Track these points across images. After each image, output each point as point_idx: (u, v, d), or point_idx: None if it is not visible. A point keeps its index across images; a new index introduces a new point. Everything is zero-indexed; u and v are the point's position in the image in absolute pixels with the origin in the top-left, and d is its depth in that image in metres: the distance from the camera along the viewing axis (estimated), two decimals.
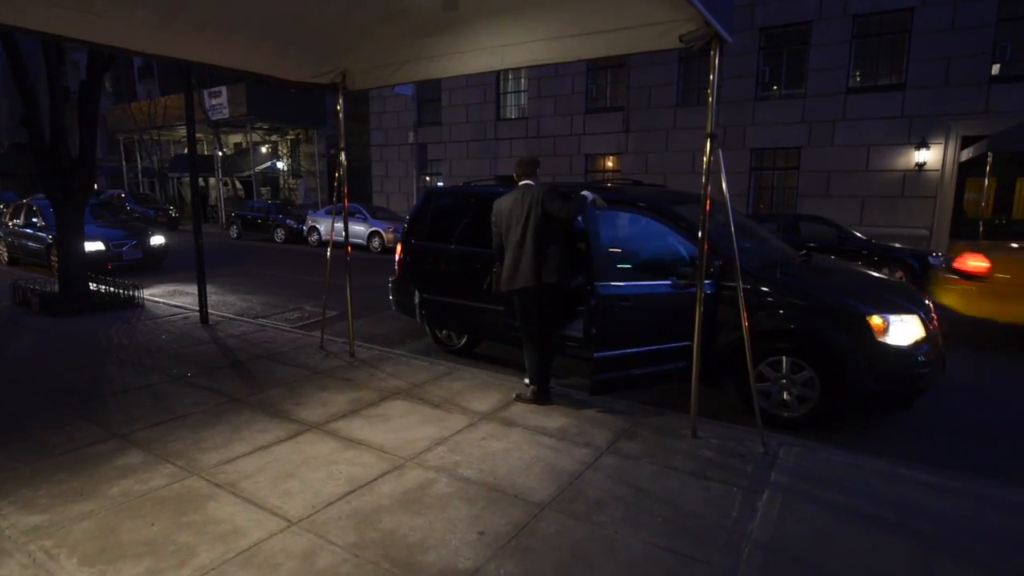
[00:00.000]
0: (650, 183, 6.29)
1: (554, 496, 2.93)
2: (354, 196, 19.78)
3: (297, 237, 17.90)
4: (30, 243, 11.04)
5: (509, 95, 19.06)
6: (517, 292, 4.09)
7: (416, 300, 5.71)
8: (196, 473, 3.09)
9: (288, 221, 18.34)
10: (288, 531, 2.58)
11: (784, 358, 4.05)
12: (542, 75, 17.41)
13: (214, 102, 22.59)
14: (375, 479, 3.07)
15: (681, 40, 3.25)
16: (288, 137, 27.48)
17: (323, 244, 16.40)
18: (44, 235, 10.49)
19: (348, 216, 5.65)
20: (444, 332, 5.95)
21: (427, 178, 20.62)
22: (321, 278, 5.70)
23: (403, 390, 4.44)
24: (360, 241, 15.70)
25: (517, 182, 4.17)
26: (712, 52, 3.25)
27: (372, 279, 9.36)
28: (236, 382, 4.58)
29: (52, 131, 6.98)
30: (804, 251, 5.21)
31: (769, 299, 4.06)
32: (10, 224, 11.81)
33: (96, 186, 16.26)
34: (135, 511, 2.72)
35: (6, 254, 11.90)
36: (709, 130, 3.33)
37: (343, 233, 5.70)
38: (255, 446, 3.42)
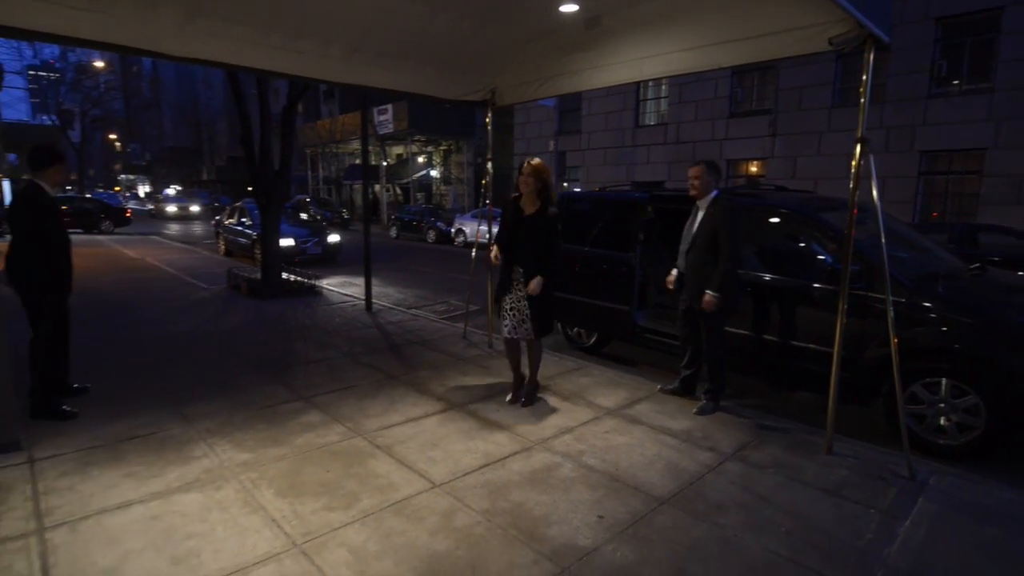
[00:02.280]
0: (797, 188, 5.89)
1: (674, 493, 2.93)
2: (497, 201, 20.73)
3: (446, 238, 19.15)
4: (240, 239, 13.09)
5: (648, 102, 18.69)
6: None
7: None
8: (360, 434, 3.55)
9: (438, 223, 19.69)
10: (432, 491, 2.89)
11: (944, 380, 3.60)
12: (684, 81, 16.84)
13: (381, 118, 24.91)
14: (506, 457, 3.29)
15: (831, 43, 3.06)
16: (441, 148, 29.42)
17: (468, 245, 17.35)
18: (251, 232, 12.37)
19: (491, 219, 6.02)
20: (574, 330, 6.08)
21: (564, 184, 20.92)
22: (466, 276, 6.12)
23: None
24: None
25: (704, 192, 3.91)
26: (866, 53, 3.01)
27: None
28: (393, 362, 5.12)
29: (260, 148, 8.26)
30: (977, 264, 4.56)
31: (931, 315, 3.63)
32: (226, 223, 14.10)
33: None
34: (315, 459, 3.21)
35: (223, 247, 14.21)
36: (860, 134, 3.09)
37: (487, 235, 6.08)
38: (407, 417, 3.83)
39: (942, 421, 3.60)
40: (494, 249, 3.93)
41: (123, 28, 3.31)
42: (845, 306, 3.26)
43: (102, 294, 8.18)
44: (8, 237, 3.60)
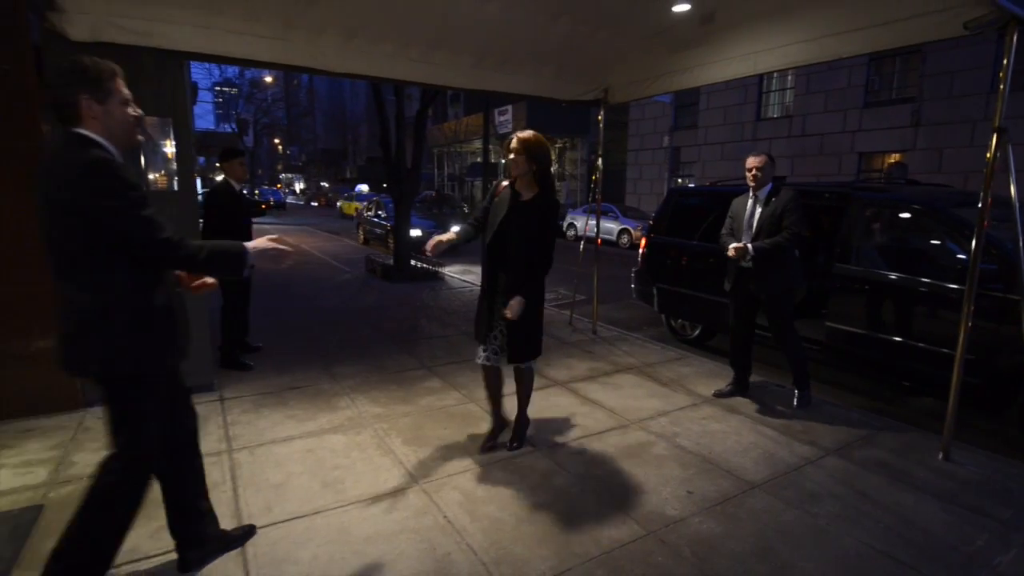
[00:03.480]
0: (939, 183, 5.32)
1: (767, 479, 2.90)
2: (608, 197, 20.54)
3: (558, 232, 19.34)
4: (376, 229, 14.32)
5: (772, 94, 17.41)
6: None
7: (654, 289, 5.90)
8: (474, 401, 3.88)
9: None
10: (533, 454, 3.12)
11: None
12: (812, 71, 15.45)
13: (501, 119, 25.66)
14: (603, 431, 3.44)
15: (966, 28, 2.80)
16: (556, 145, 29.63)
17: (579, 239, 17.43)
18: (385, 223, 13.49)
19: (601, 215, 6.11)
20: (679, 321, 6.01)
21: (678, 180, 20.20)
22: (575, 268, 6.28)
23: (635, 367, 4.72)
24: (610, 237, 16.29)
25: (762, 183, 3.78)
26: (1008, 37, 2.72)
27: (618, 271, 9.77)
28: None
29: (396, 149, 9.02)
30: None
31: None
32: (365, 215, 15.47)
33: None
34: (435, 418, 3.59)
35: (362, 236, 15.62)
36: (996, 124, 2.81)
37: (594, 229, 6.19)
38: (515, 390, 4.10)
39: None
40: (433, 240, 2.80)
41: (296, 51, 3.88)
42: (972, 307, 2.97)
43: (265, 273, 9.45)
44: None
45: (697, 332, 5.79)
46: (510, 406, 3.27)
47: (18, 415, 3.36)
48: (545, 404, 3.84)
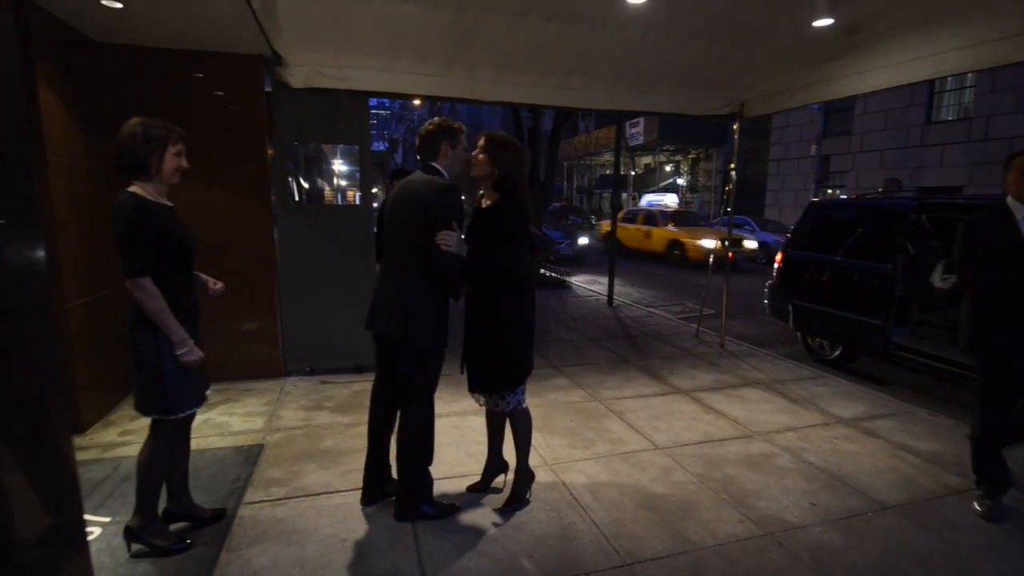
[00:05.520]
0: None
1: (901, 503, 2.79)
2: (746, 209, 19.46)
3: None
4: None
5: (947, 94, 15.34)
6: None
7: (789, 306, 5.68)
8: (597, 400, 4.14)
9: None
10: (654, 451, 3.31)
11: None
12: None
13: (632, 131, 25.52)
14: (725, 439, 3.51)
15: None
16: (690, 156, 28.69)
17: (710, 253, 16.77)
18: None
19: (739, 228, 6.03)
20: (817, 340, 5.71)
21: (828, 191, 18.53)
22: (705, 281, 6.26)
23: (763, 382, 4.64)
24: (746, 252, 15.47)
25: None
26: None
27: (752, 286, 9.36)
28: (627, 348, 5.62)
29: (531, 163, 9.59)
30: None
31: None
32: None
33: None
34: (561, 411, 3.91)
35: None
36: None
37: (725, 241, 6.12)
38: (637, 393, 4.29)
39: None
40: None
41: (455, 85, 4.49)
42: None
43: None
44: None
45: (837, 353, 5.47)
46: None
47: (241, 378, 4.30)
48: (666, 409, 3.98)
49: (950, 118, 15.31)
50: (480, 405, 2.76)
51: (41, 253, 1.21)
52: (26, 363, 1.21)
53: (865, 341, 4.91)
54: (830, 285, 5.27)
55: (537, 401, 4.08)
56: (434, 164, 2.47)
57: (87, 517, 2.40)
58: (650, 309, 8.07)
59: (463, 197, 2.45)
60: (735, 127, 5.64)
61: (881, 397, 4.33)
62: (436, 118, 2.56)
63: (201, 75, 3.94)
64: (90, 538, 2.27)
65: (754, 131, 22.28)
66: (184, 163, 2.18)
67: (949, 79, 15.15)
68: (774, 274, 6.06)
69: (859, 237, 5.09)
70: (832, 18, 3.66)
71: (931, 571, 2.28)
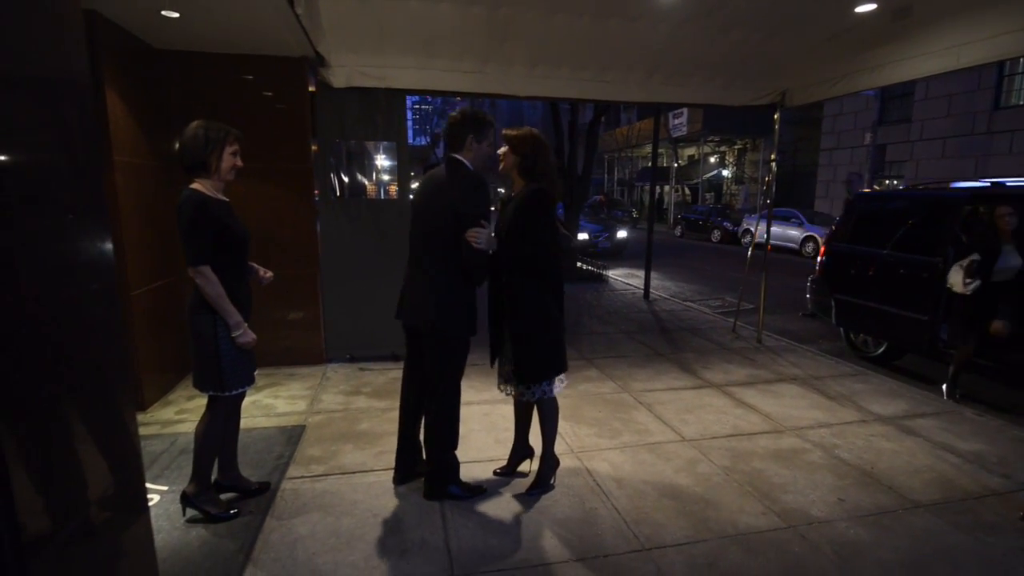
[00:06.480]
0: None
1: (936, 502, 2.73)
2: (794, 201, 18.77)
3: (731, 238, 18.32)
4: None
5: (1018, 76, 14.32)
6: None
7: (832, 301, 5.53)
8: (627, 392, 4.17)
9: (725, 223, 18.95)
10: (681, 443, 3.33)
11: None
12: None
13: (675, 122, 24.97)
14: (755, 433, 3.49)
15: None
16: (735, 147, 27.82)
17: (756, 247, 16.33)
18: None
19: (785, 221, 5.89)
20: (860, 337, 5.54)
21: (885, 181, 17.66)
22: (741, 275, 6.15)
23: (799, 378, 4.55)
24: (793, 245, 14.97)
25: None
26: None
27: (795, 281, 9.10)
28: (661, 342, 5.60)
29: (569, 156, 9.57)
30: None
31: None
32: None
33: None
34: (591, 402, 3.97)
35: None
36: None
37: (764, 235, 5.99)
38: (668, 386, 4.30)
39: None
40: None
41: (491, 81, 4.58)
42: None
43: None
44: None
45: (882, 349, 5.29)
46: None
47: (286, 364, 4.55)
48: (696, 402, 3.98)
49: (1022, 103, 14.30)
50: (507, 395, 2.80)
51: (109, 245, 1.36)
52: (96, 345, 1.36)
53: (911, 338, 4.74)
54: (875, 279, 5.10)
55: (566, 392, 4.14)
56: (458, 156, 2.47)
57: (148, 485, 2.64)
58: (687, 303, 7.98)
59: (500, 189, 2.52)
60: (775, 120, 5.50)
61: (925, 396, 4.19)
62: (465, 107, 2.55)
63: (250, 77, 4.17)
64: (150, 504, 2.51)
65: (804, 119, 21.42)
66: (239, 162, 2.36)
67: (1020, 62, 14.18)
68: (817, 268, 5.90)
69: (910, 230, 4.89)
70: (875, 3, 3.55)
71: (961, 571, 2.24)
